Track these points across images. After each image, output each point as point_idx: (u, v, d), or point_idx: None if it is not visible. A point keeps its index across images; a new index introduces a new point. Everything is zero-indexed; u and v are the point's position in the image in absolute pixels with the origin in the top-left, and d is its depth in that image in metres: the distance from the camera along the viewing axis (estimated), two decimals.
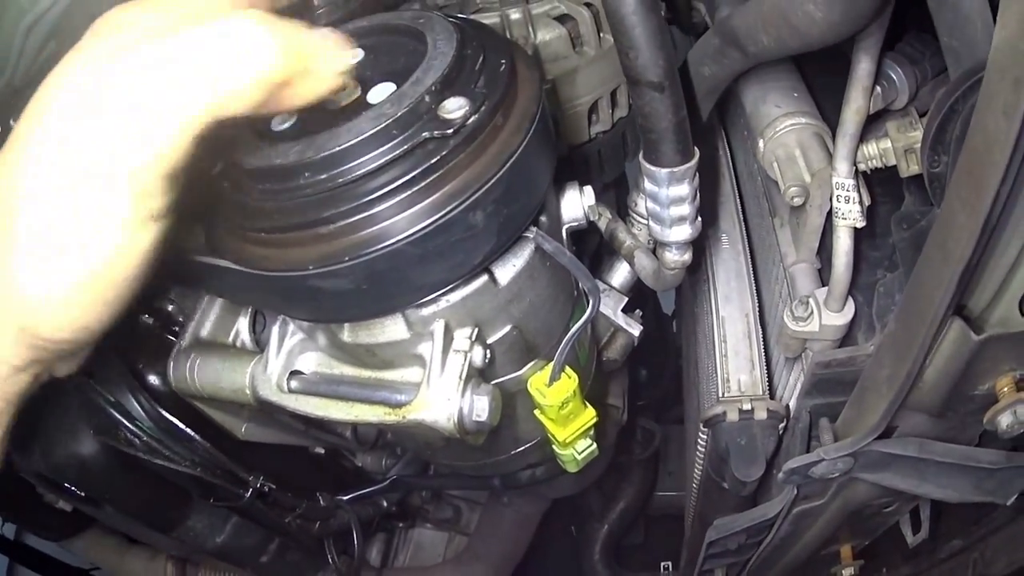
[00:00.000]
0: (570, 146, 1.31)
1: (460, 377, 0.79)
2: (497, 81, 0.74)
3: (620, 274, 1.39)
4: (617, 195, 1.66)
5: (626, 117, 1.42)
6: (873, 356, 0.98)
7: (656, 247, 1.14)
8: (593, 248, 1.54)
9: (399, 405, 0.81)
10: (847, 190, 1.01)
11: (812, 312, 1.09)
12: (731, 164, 1.49)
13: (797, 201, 1.07)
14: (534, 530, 1.93)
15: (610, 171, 1.42)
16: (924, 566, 1.71)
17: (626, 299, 1.36)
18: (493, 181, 0.70)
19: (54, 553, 2.22)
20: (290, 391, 0.91)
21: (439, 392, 0.79)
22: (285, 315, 0.88)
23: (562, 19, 1.20)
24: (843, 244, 1.03)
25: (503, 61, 0.76)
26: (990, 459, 0.98)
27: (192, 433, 1.06)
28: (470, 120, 0.69)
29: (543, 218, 0.87)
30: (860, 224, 1.02)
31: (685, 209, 0.98)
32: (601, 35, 1.22)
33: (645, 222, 1.28)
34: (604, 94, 1.28)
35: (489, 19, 1.18)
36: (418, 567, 1.99)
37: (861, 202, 1.01)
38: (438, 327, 0.81)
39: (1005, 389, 0.86)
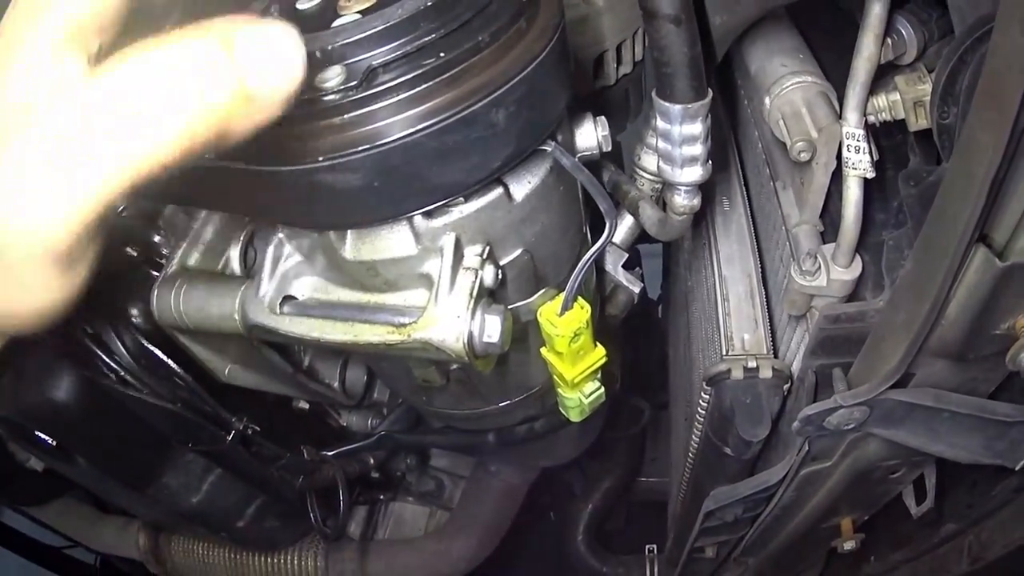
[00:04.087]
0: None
1: (471, 295, 0.75)
2: None
3: (621, 230, 1.36)
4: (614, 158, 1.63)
5: (631, 74, 1.39)
6: (888, 302, 0.96)
7: (664, 192, 1.11)
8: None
9: (403, 326, 0.77)
10: (857, 140, 0.99)
11: (820, 267, 1.07)
12: (732, 133, 1.48)
13: (804, 156, 1.05)
14: (520, 503, 1.89)
15: (613, 128, 1.38)
16: (917, 552, 1.69)
17: (627, 255, 1.33)
18: (516, 80, 0.68)
19: (29, 532, 2.17)
20: (283, 315, 0.86)
21: (448, 309, 0.75)
22: (287, 222, 0.84)
23: None
24: (853, 194, 1.01)
25: None
26: (1005, 412, 0.95)
27: (174, 365, 1.00)
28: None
29: (559, 137, 0.83)
30: (870, 174, 1.00)
31: (697, 149, 0.96)
32: None
33: (649, 176, 1.26)
34: (611, 47, 1.26)
35: None
36: (399, 539, 1.93)
37: (871, 153, 0.99)
38: (448, 241, 0.77)
39: None
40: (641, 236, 2.14)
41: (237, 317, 0.89)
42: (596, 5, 1.16)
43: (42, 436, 1.15)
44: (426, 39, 0.65)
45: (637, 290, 1.32)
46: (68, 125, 0.44)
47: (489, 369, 0.83)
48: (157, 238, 1.08)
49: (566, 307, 0.85)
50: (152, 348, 1.02)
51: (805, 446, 1.10)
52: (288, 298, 0.88)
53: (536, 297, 0.89)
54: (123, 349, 1.05)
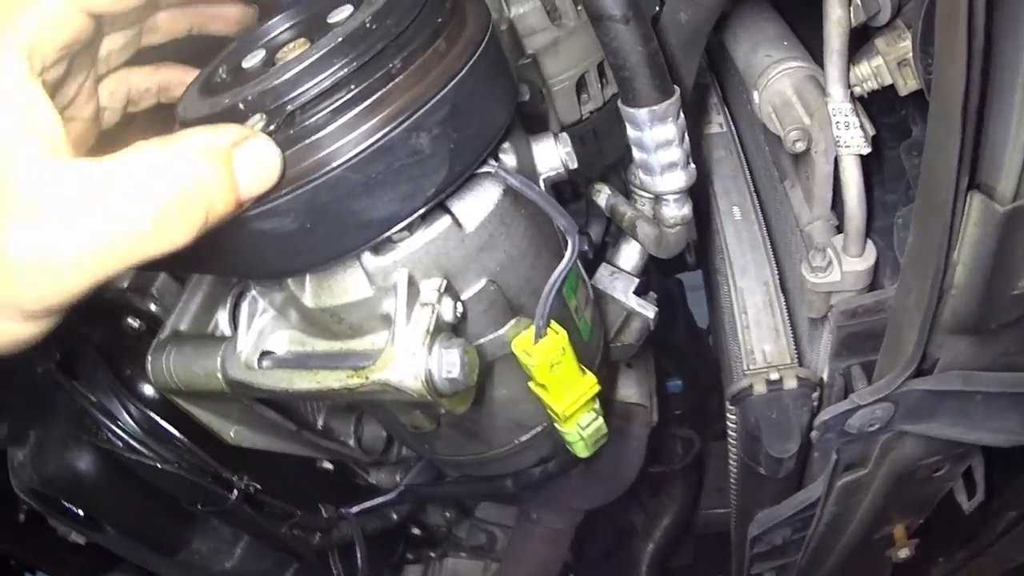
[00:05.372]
0: (562, 126, 1.25)
1: (427, 331, 0.73)
2: (439, 12, 0.71)
3: (629, 256, 1.32)
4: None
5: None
6: (898, 285, 0.90)
7: (654, 206, 1.07)
8: (600, 238, 1.48)
9: (362, 368, 0.75)
10: (845, 115, 0.95)
11: (831, 261, 1.02)
12: (737, 139, 1.44)
13: (800, 146, 1.00)
14: (566, 548, 1.82)
15: (610, 152, 1.35)
16: (982, 544, 1.57)
17: (637, 281, 1.29)
18: (434, 101, 0.66)
19: None
20: (259, 369, 0.85)
21: (404, 348, 0.73)
22: (244, 277, 0.84)
23: None
24: (851, 175, 0.96)
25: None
26: None
27: (171, 429, 1.01)
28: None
29: (510, 161, 0.81)
30: (865, 150, 0.95)
31: (674, 153, 0.92)
32: (578, 8, 1.18)
33: (645, 193, 1.22)
34: (590, 67, 1.23)
35: None
36: None
37: (863, 127, 0.94)
38: (400, 277, 0.74)
39: None
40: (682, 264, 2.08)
41: (219, 375, 0.89)
42: (566, 27, 1.13)
43: (69, 506, 1.18)
44: (340, 75, 0.64)
45: (652, 315, 1.28)
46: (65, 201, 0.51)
47: (464, 408, 0.80)
48: (154, 307, 1.10)
49: (539, 334, 0.82)
50: (150, 413, 1.02)
51: (834, 455, 1.04)
52: (267, 353, 0.88)
53: (508, 328, 0.86)
54: (128, 417, 1.07)
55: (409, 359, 0.72)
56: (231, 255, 0.72)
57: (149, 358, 0.98)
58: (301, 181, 0.64)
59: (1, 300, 0.53)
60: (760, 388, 1.10)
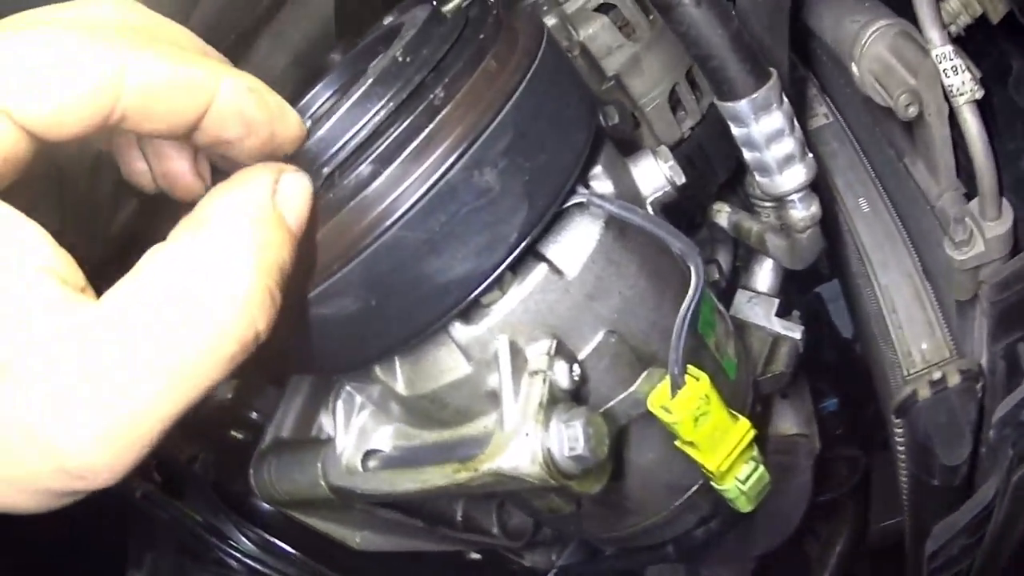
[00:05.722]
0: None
1: (540, 404, 0.61)
2: (480, 29, 0.61)
3: (763, 275, 1.18)
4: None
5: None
6: None
7: (779, 212, 0.93)
8: (730, 264, 1.33)
9: (470, 459, 0.63)
10: (950, 59, 0.87)
11: (972, 231, 0.92)
12: (846, 127, 1.30)
13: (912, 111, 0.92)
14: None
15: (721, 168, 1.21)
16: None
17: (777, 302, 1.14)
18: (492, 129, 0.55)
19: None
20: (364, 471, 0.75)
21: (515, 428, 0.61)
22: (317, 372, 0.75)
23: (603, 9, 1.05)
24: (972, 125, 0.88)
25: (489, 14, 0.64)
26: None
27: (286, 547, 0.92)
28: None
29: (605, 188, 0.69)
30: (979, 94, 0.86)
31: (787, 144, 0.81)
32: (651, 17, 1.06)
33: (768, 203, 1.08)
34: (680, 79, 1.10)
35: None
36: None
37: (970, 69, 0.86)
38: (500, 345, 0.63)
39: None
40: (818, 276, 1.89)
41: (322, 482, 0.80)
42: (643, 39, 1.02)
43: None
44: (376, 120, 0.54)
45: (799, 336, 1.12)
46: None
47: (599, 487, 0.67)
48: (255, 415, 1.03)
49: (676, 385, 0.68)
50: (261, 532, 0.94)
51: (1010, 450, 0.93)
52: (372, 452, 0.78)
53: (639, 383, 0.72)
54: (240, 535, 1.00)
55: (522, 441, 0.60)
56: (298, 350, 0.63)
57: (251, 471, 0.91)
58: (352, 252, 0.54)
59: (51, 485, 0.43)
60: (924, 392, 1.00)
